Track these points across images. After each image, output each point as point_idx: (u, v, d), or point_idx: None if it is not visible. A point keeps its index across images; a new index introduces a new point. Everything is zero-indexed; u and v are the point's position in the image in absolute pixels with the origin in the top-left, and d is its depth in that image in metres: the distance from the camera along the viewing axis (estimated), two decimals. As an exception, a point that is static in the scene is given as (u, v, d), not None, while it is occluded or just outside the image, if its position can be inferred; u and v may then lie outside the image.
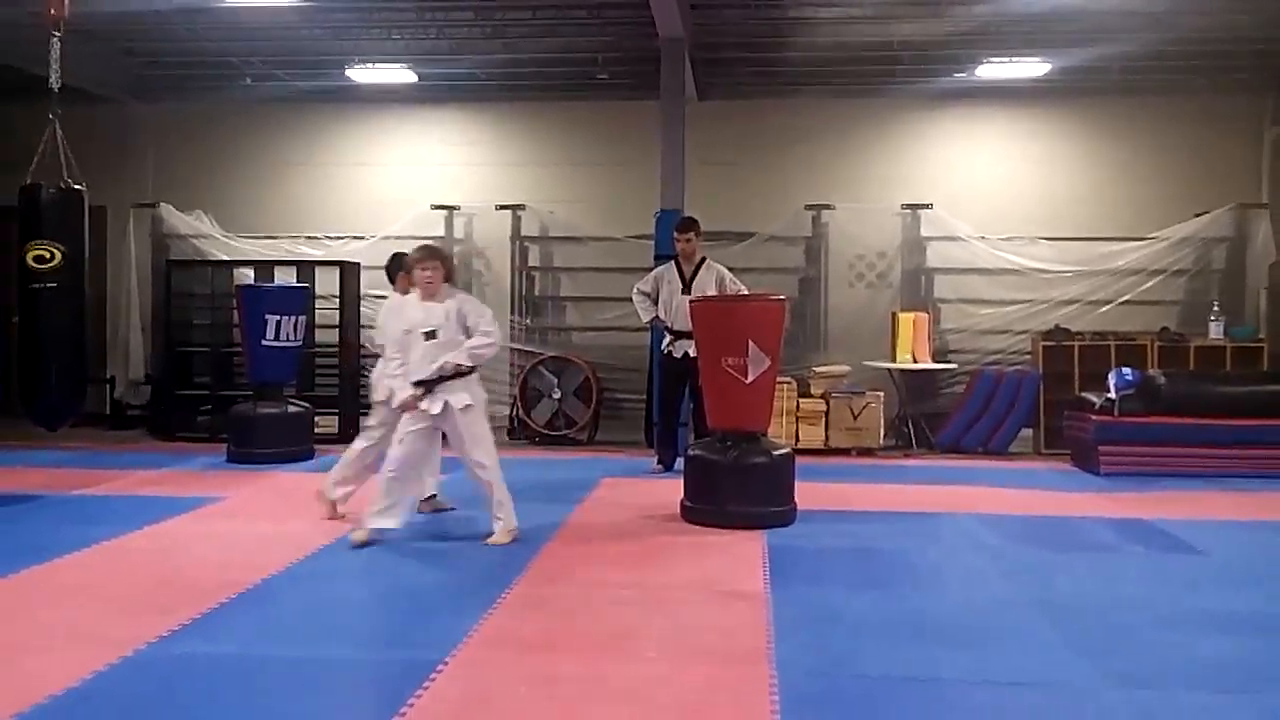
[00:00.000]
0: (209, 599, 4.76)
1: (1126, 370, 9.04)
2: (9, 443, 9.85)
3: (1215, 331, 10.26)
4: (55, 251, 7.38)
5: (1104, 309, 10.91)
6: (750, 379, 6.64)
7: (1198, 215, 11.03)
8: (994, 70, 10.66)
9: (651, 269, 9.02)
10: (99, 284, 11.22)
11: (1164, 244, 10.97)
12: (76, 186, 7.58)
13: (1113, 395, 8.86)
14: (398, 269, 6.81)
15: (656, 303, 8.69)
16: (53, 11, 7.42)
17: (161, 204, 11.90)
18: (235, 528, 6.50)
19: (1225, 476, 8.49)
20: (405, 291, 6.53)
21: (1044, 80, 10.91)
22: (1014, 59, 10.42)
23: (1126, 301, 10.92)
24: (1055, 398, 9.98)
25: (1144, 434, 8.74)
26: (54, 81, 7.55)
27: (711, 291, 8.36)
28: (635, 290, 8.82)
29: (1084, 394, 9.37)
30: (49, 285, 7.44)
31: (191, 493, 7.56)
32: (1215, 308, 10.41)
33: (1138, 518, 7.02)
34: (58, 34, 7.57)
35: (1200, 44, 10.00)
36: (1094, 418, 8.89)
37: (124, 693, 3.70)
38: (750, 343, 6.63)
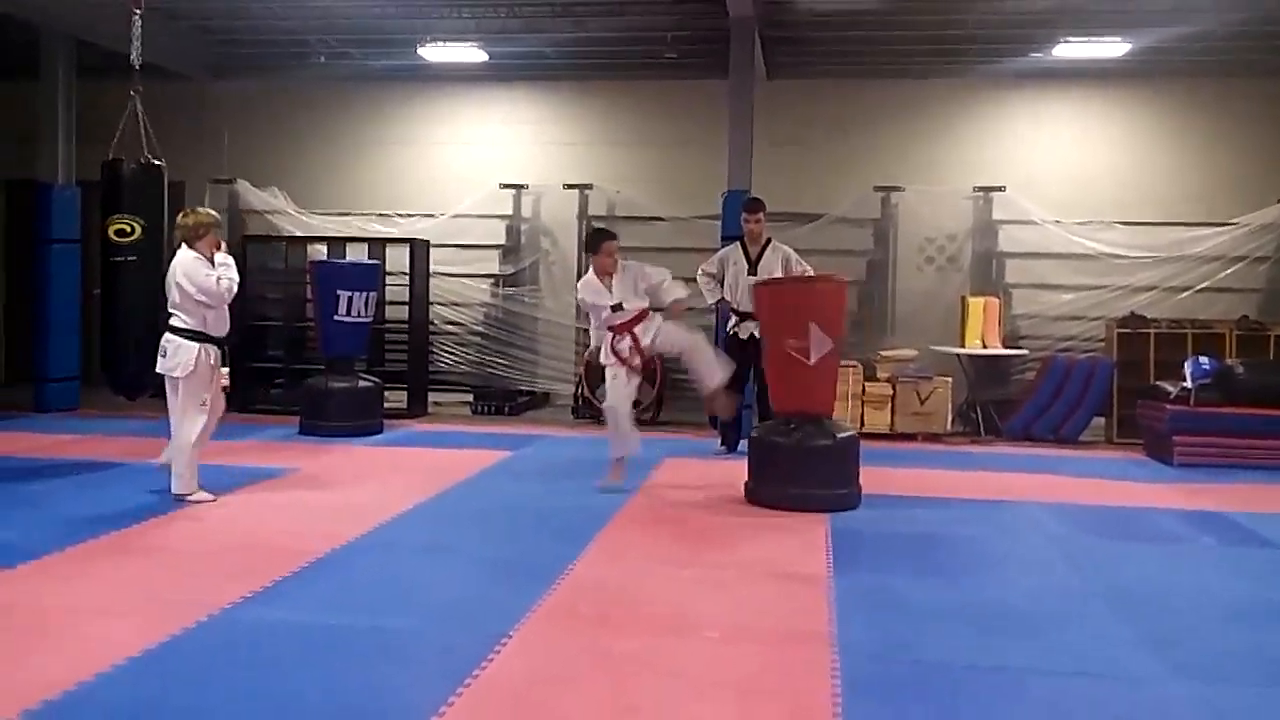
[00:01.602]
0: (281, 567, 4.88)
1: (1204, 359, 8.85)
2: (91, 411, 10.16)
3: (1297, 321, 9.99)
4: (135, 225, 7.55)
5: (1181, 296, 10.66)
6: (813, 361, 6.61)
7: (1280, 201, 10.74)
8: (1071, 50, 10.43)
9: (718, 250, 9.00)
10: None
11: (1244, 230, 10.69)
12: (156, 162, 7.75)
13: (1189, 384, 8.68)
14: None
15: (722, 284, 8.68)
16: (135, -10, 7.57)
17: (238, 180, 12.12)
18: (307, 498, 6.64)
19: (1303, 470, 8.29)
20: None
21: (1122, 61, 10.66)
22: (1092, 39, 10.18)
23: (1205, 289, 10.66)
24: (1129, 386, 9.78)
25: (1220, 425, 8.54)
26: (135, 59, 7.70)
27: (778, 273, 8.32)
28: (700, 271, 8.80)
29: (1159, 383, 9.17)
30: (129, 258, 7.61)
31: (264, 463, 7.73)
32: (1297, 296, 10.14)
33: (1210, 510, 6.88)
34: (139, 12, 7.72)
35: (1287, 24, 9.72)
36: (1169, 407, 8.70)
37: (198, 656, 3.80)
38: (812, 325, 6.59)
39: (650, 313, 7.08)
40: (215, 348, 6.45)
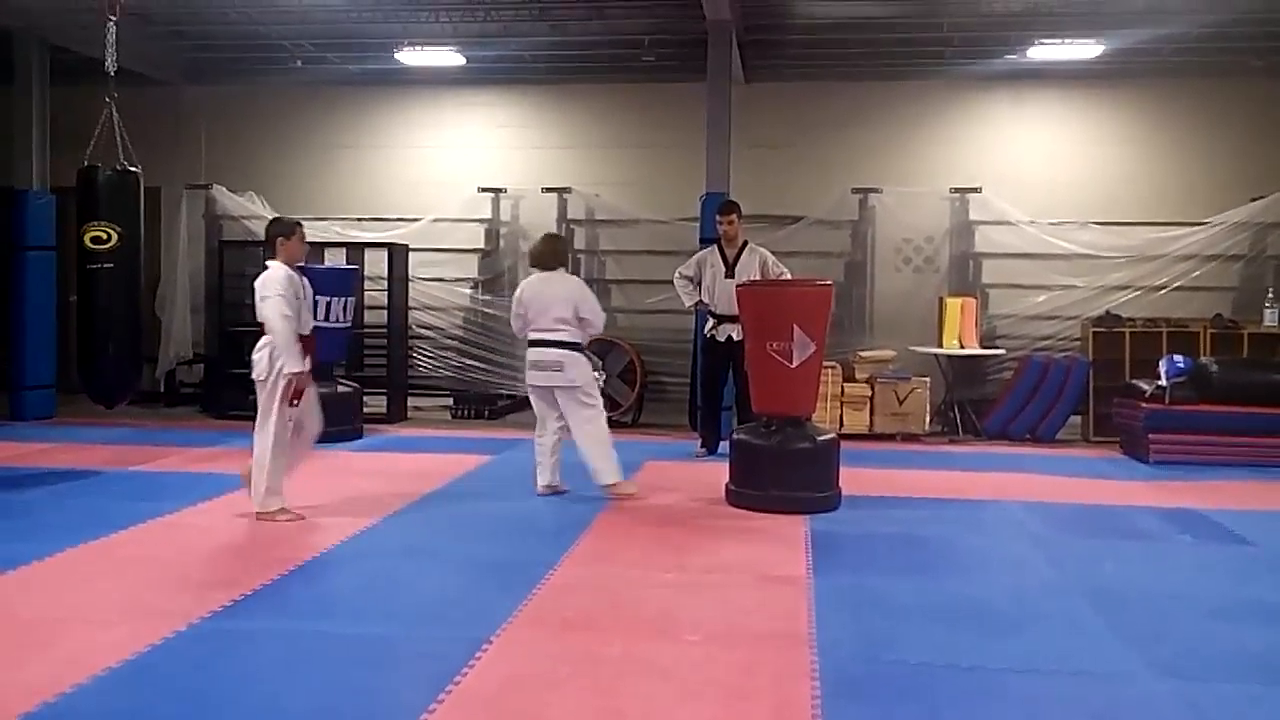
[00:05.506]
0: (262, 574, 4.87)
1: (1178, 357, 8.91)
2: (68, 419, 10.08)
3: (1270, 319, 10.03)
4: (112, 232, 7.53)
5: (1156, 295, 10.73)
6: (795, 364, 6.63)
7: (1254, 200, 10.80)
8: (1046, 52, 10.48)
9: (696, 253, 9.02)
10: (153, 264, 11.43)
11: (1219, 229, 10.74)
12: (132, 169, 7.72)
13: (1164, 383, 8.75)
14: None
15: (699, 287, 8.70)
16: (110, -4, 7.55)
17: (214, 185, 12.05)
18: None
19: (1277, 467, 8.36)
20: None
21: (1097, 62, 10.73)
22: (1066, 40, 10.25)
23: (1179, 287, 10.73)
24: (1105, 385, 9.86)
25: (1195, 422, 8.62)
26: (110, 65, 7.68)
27: (755, 275, 8.34)
28: (677, 274, 8.82)
29: (1134, 381, 9.25)
30: (106, 266, 7.58)
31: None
32: (1270, 294, 10.19)
33: (1187, 507, 6.95)
34: (114, 18, 7.69)
35: (1258, 25, 9.79)
36: (1144, 405, 8.77)
37: (180, 666, 3.79)
38: (796, 327, 6.61)
39: None
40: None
